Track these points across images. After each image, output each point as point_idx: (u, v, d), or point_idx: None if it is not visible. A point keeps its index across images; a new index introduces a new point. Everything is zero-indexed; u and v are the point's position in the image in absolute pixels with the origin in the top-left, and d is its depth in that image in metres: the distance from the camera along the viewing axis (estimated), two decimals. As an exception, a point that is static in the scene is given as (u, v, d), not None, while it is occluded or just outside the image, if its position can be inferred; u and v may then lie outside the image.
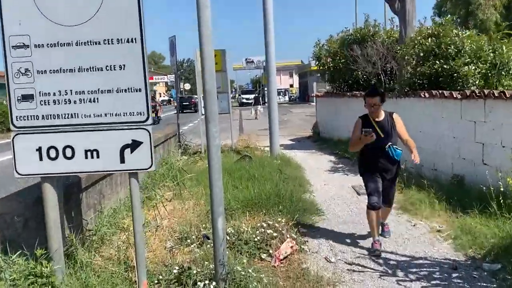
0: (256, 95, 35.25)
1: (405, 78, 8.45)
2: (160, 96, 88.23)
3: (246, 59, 52.98)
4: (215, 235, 3.16)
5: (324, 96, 13.65)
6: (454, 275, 3.79)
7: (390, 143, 4.46)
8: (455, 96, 6.24)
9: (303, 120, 24.86)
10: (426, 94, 7.03)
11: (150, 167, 3.13)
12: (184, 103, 40.98)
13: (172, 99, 77.50)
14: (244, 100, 46.68)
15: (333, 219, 5.69)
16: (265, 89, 51.28)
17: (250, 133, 18.60)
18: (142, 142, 3.11)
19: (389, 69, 10.10)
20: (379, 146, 4.42)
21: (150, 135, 3.11)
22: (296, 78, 71.52)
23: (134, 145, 3.10)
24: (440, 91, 6.65)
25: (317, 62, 12.45)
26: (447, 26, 7.45)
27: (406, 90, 8.28)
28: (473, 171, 6.04)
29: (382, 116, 4.61)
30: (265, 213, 5.46)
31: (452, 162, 6.56)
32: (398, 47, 8.56)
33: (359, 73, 10.99)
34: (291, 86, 71.76)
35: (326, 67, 12.26)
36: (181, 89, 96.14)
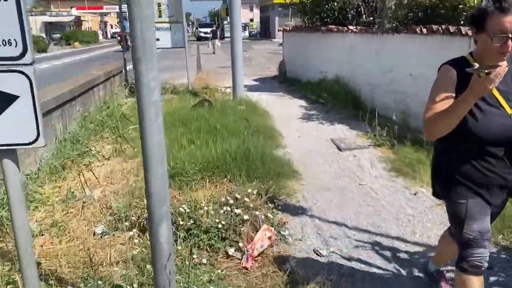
0: (214, 28, 33.09)
1: (393, 10, 7.16)
2: (112, 28, 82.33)
3: (204, -11, 49.21)
4: (155, 251, 1.92)
5: (292, 31, 12.15)
6: (491, 278, 2.79)
7: None
8: (463, 32, 5.05)
9: (266, 57, 23.31)
10: (424, 30, 5.81)
11: (36, 140, 1.77)
12: None
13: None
14: (202, 34, 44.16)
15: (315, 184, 4.57)
16: (225, 22, 48.70)
17: (209, 71, 16.99)
18: (18, 97, 1.71)
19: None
20: (504, 133, 1.91)
21: (31, 83, 1.71)
22: (257, 12, 68.19)
23: (4, 101, 1.71)
24: (444, 26, 5.44)
25: (287, -10, 10.80)
26: None
27: (395, 24, 7.03)
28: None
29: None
30: (230, 179, 4.26)
31: (451, 113, 5.52)
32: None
33: (335, 3, 9.56)
34: (252, 20, 68.48)
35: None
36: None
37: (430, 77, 5.82)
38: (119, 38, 31.15)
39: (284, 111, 8.28)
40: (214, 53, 27.01)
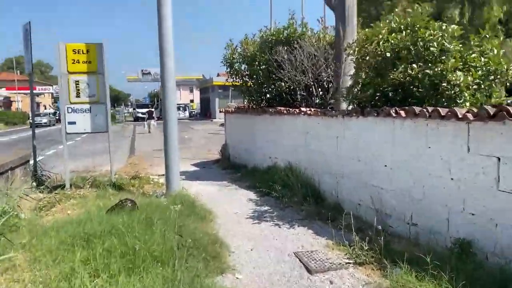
0: (150, 109, 33.04)
1: (353, 90, 6.16)
2: (45, 109, 78.96)
3: (142, 70, 48.86)
4: None
5: (235, 113, 11.04)
6: None
7: None
8: (460, 115, 3.96)
9: (207, 138, 22.13)
10: (402, 112, 4.72)
11: None
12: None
13: (58, 112, 70.45)
14: (140, 115, 43.21)
15: None
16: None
17: (143, 155, 15.38)
18: None
19: (324, 78, 7.83)
20: None
21: None
22: (197, 93, 68.90)
23: None
24: (430, 108, 4.36)
25: (228, 69, 9.77)
26: (419, 18, 5.27)
27: (356, 104, 6.00)
28: (491, 236, 3.78)
29: None
30: None
31: (448, 217, 4.27)
32: (346, 47, 6.25)
33: (282, 84, 8.58)
34: (192, 101, 68.85)
35: (240, 75, 9.65)
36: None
37: (413, 170, 4.65)
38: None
39: (231, 208, 6.73)
40: (149, 132, 26.74)
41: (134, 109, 52.69)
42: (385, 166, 5.17)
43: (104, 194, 7.42)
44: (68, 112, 7.73)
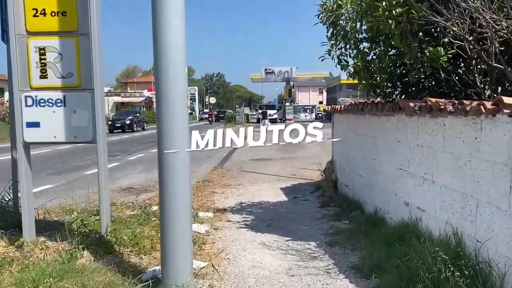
0: (264, 109, 34.27)
1: None
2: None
3: (265, 69, 46.20)
4: None
5: (347, 112, 6.58)
6: None
7: None
8: None
9: (322, 146, 17.73)
10: None
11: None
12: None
13: (193, 113, 73.30)
14: (261, 116, 41.07)
15: None
16: (287, 104, 45.97)
17: (232, 167, 11.91)
18: None
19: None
20: None
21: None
22: (326, 94, 64.47)
23: None
24: None
25: (331, 30, 5.28)
26: None
27: None
28: None
29: None
30: None
31: None
32: None
33: (440, 49, 3.92)
34: (321, 103, 64.72)
35: (353, 41, 5.14)
36: (206, 102, 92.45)
37: None
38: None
39: None
40: (267, 130, 27.64)
41: (256, 110, 50.79)
42: None
43: (68, 260, 3.84)
44: (26, 106, 4.30)
